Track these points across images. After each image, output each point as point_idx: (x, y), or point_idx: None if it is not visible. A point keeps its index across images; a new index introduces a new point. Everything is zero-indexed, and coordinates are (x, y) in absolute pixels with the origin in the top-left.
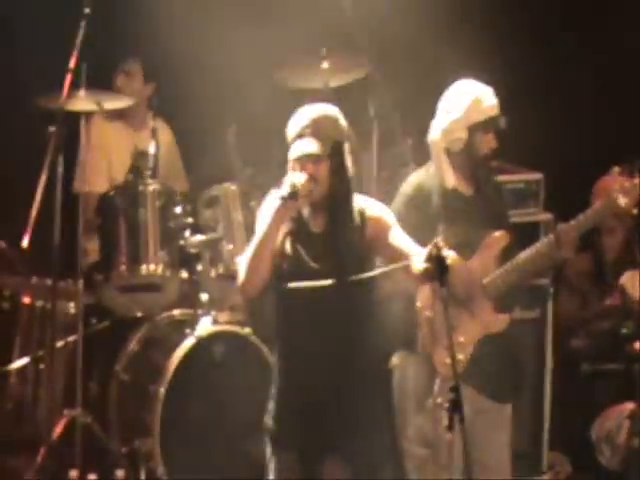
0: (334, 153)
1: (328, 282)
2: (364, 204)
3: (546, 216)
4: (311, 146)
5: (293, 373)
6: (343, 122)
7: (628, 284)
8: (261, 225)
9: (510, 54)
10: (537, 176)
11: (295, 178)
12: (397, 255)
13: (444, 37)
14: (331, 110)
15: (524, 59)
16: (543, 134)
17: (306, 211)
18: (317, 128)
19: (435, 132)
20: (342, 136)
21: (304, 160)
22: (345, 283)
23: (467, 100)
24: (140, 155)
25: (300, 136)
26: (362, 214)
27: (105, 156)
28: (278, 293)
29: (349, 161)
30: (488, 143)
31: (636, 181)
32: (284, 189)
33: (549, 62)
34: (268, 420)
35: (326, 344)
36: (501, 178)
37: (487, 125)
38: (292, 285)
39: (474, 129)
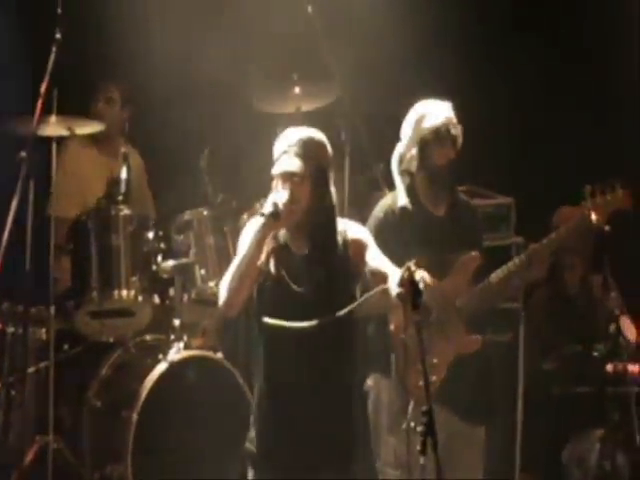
0: (317, 175)
1: (311, 324)
2: (345, 227)
3: (517, 240)
4: (294, 164)
5: (276, 401)
6: (329, 148)
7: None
8: (243, 246)
9: (480, 78)
10: (508, 200)
11: (277, 197)
12: (375, 276)
13: (416, 61)
14: (319, 134)
15: (494, 83)
16: (514, 158)
17: (288, 233)
18: (303, 148)
19: (394, 156)
20: (327, 161)
21: (286, 177)
22: (328, 320)
23: (414, 117)
24: (115, 182)
25: (285, 153)
26: (344, 237)
27: (79, 182)
28: (260, 324)
29: (332, 186)
30: (442, 155)
31: (608, 198)
32: (266, 208)
33: (519, 88)
34: (251, 446)
35: (309, 374)
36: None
37: (438, 138)
38: (274, 322)
39: (424, 144)
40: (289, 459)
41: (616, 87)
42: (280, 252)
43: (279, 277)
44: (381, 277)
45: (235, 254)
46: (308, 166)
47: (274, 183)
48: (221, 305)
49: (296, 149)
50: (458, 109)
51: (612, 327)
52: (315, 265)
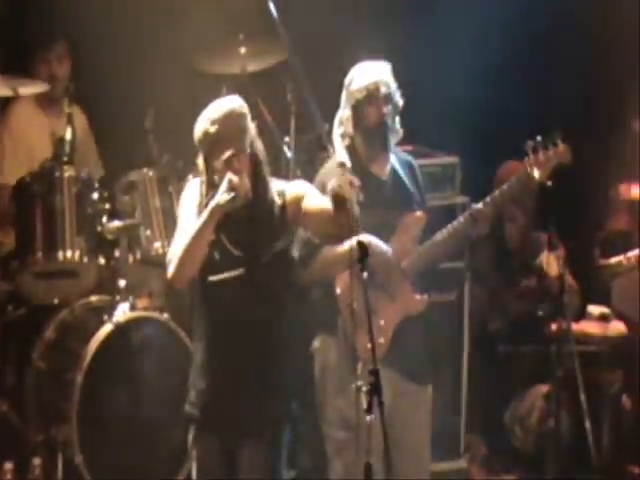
0: (252, 150)
1: (238, 271)
2: (283, 186)
3: (462, 199)
4: (234, 144)
5: (213, 361)
6: (249, 116)
7: (545, 265)
8: (186, 214)
9: (422, 35)
10: (453, 160)
11: (234, 182)
12: (316, 214)
13: (363, 20)
14: (233, 102)
15: (438, 40)
16: (460, 116)
17: None
18: (231, 124)
19: (335, 121)
20: (252, 131)
21: (233, 160)
22: (258, 268)
23: (347, 81)
24: (59, 140)
25: (213, 135)
26: (282, 196)
27: (25, 144)
28: (198, 282)
29: (261, 147)
30: (375, 115)
31: (549, 153)
32: (224, 195)
33: (463, 47)
34: (189, 407)
35: (245, 329)
36: (417, 162)
37: (368, 97)
38: (211, 278)
39: (357, 106)
40: (223, 418)
41: (556, 44)
42: (222, 219)
43: (218, 241)
44: (324, 213)
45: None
46: (243, 139)
47: (217, 164)
48: (170, 276)
49: (224, 127)
50: (401, 69)
51: (538, 261)
52: (253, 229)
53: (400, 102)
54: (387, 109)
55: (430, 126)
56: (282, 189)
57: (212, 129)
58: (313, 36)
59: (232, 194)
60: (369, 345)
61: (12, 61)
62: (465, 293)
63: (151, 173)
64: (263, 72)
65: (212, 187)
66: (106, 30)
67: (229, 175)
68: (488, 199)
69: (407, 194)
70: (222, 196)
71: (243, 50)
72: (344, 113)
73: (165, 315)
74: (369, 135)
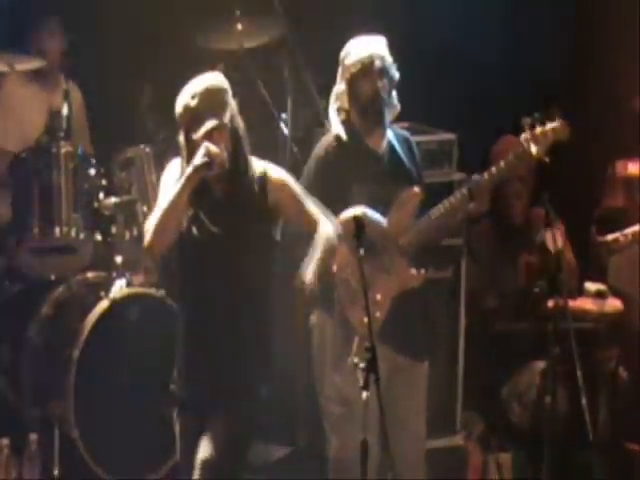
0: (233, 124)
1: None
2: (265, 167)
3: (460, 176)
4: (215, 118)
5: (192, 336)
6: (230, 92)
7: (547, 240)
8: (166, 192)
9: (420, 12)
10: (450, 136)
11: (211, 149)
12: (307, 221)
13: None
14: (214, 78)
15: (436, 17)
16: (457, 93)
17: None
18: (211, 99)
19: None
20: (233, 106)
21: (213, 133)
22: (237, 246)
23: (342, 55)
24: (55, 115)
25: (193, 109)
26: (264, 176)
27: (17, 117)
28: (177, 259)
29: (242, 124)
30: (369, 89)
31: (547, 129)
32: (199, 159)
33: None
34: (172, 386)
35: (223, 308)
36: (414, 139)
37: (362, 71)
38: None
39: (351, 80)
40: (199, 395)
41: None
42: (200, 194)
43: (197, 217)
44: (313, 222)
45: None
46: (224, 115)
47: (197, 136)
48: (145, 244)
49: (206, 102)
50: (399, 44)
51: (539, 237)
52: (232, 206)
53: (396, 76)
54: (382, 83)
55: (427, 102)
56: (264, 169)
57: (192, 103)
58: (310, 11)
59: (207, 159)
60: (365, 320)
61: (7, 36)
62: (462, 270)
63: (148, 149)
64: (260, 48)
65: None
66: (104, 6)
67: (206, 143)
68: (485, 175)
69: (404, 169)
70: (198, 159)
71: (240, 26)
72: (339, 87)
73: (161, 291)
74: (364, 109)
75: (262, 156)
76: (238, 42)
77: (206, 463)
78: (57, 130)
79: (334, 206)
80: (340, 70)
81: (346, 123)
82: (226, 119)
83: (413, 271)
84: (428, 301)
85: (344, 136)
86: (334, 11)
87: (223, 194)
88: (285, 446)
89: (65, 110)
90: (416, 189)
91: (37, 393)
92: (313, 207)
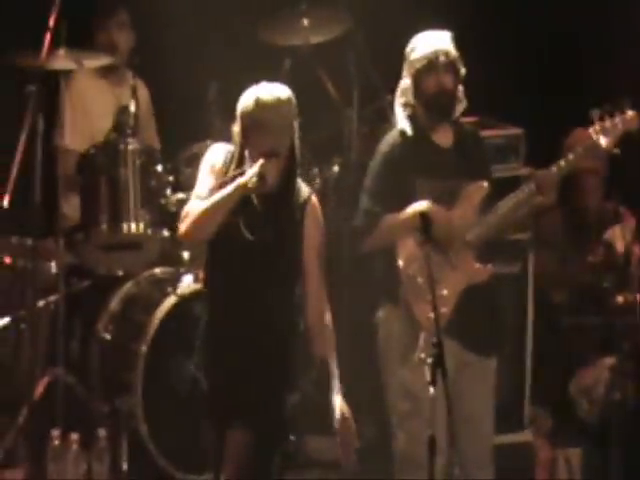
0: (291, 144)
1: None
2: (308, 192)
3: (527, 171)
4: (278, 143)
5: (216, 341)
6: (294, 101)
7: (614, 239)
8: (205, 176)
9: (489, 6)
10: (518, 131)
11: (265, 172)
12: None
13: None
14: (286, 93)
15: (504, 11)
16: (525, 88)
17: None
18: (278, 116)
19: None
20: (295, 119)
21: (271, 154)
22: (269, 254)
23: (408, 50)
24: (122, 112)
25: (263, 119)
26: (304, 199)
27: (87, 114)
28: (210, 257)
29: (297, 142)
30: (435, 84)
31: (616, 120)
32: (251, 179)
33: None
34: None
35: (251, 312)
36: (482, 133)
37: (428, 66)
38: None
39: (417, 75)
40: (218, 399)
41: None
42: (243, 201)
43: (235, 224)
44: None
45: None
46: (286, 139)
47: (256, 148)
48: (181, 232)
49: (272, 119)
50: (466, 40)
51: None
52: (270, 219)
53: (462, 71)
54: (447, 78)
55: (496, 97)
56: (307, 195)
57: (259, 112)
58: (376, 6)
59: (259, 180)
60: (431, 315)
61: (77, 33)
62: (529, 265)
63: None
64: (326, 43)
65: (239, 160)
66: (170, 3)
67: (262, 161)
68: (553, 168)
69: (470, 164)
70: (251, 178)
71: (306, 21)
72: (405, 83)
73: None
74: (430, 104)
75: (328, 152)
76: (304, 37)
77: None
78: (125, 127)
79: (400, 201)
80: (405, 65)
81: (411, 118)
82: (287, 139)
83: (479, 266)
84: (495, 296)
85: (409, 131)
86: (399, 6)
87: (265, 209)
88: None
89: (132, 107)
90: (482, 183)
91: (105, 388)
92: (316, 264)
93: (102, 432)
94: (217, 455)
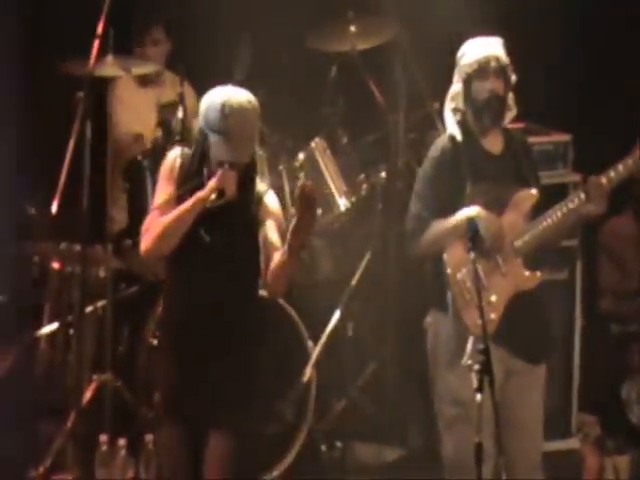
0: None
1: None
2: (264, 188)
3: (575, 177)
4: (241, 154)
5: (179, 347)
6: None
7: None
8: (162, 185)
9: (539, 11)
10: (566, 137)
11: (222, 183)
12: (271, 246)
13: None
14: (252, 101)
15: (553, 16)
16: (573, 94)
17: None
18: (242, 126)
19: (447, 96)
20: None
21: (233, 166)
22: (228, 255)
23: (459, 55)
24: (165, 108)
25: (223, 132)
26: (259, 197)
27: (129, 120)
28: (168, 261)
29: (260, 152)
30: (484, 89)
31: None
32: (211, 196)
33: (575, 19)
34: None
35: (211, 314)
36: (529, 140)
37: (478, 72)
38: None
39: (467, 80)
40: (191, 408)
41: None
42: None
43: (193, 226)
44: (272, 247)
45: (290, 193)
46: (250, 148)
47: (213, 162)
48: (143, 248)
49: (238, 126)
50: (516, 45)
51: None
52: (226, 220)
53: (513, 78)
54: (498, 84)
55: (544, 104)
56: (263, 191)
57: (228, 121)
58: (423, 12)
59: (218, 195)
60: (479, 321)
61: (123, 41)
62: (577, 272)
63: (261, 152)
64: (373, 50)
65: (199, 161)
66: (216, 9)
67: (220, 173)
68: (604, 175)
69: (519, 170)
70: (210, 195)
71: (353, 28)
72: (455, 88)
73: None
74: (480, 110)
75: (375, 158)
76: (351, 43)
77: None
78: (171, 133)
79: (449, 206)
80: (456, 70)
81: (461, 124)
82: (249, 150)
83: (528, 273)
84: (543, 303)
85: (459, 136)
86: (446, 11)
87: (222, 212)
88: (399, 447)
89: (180, 113)
90: (532, 191)
91: (153, 394)
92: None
93: (149, 437)
94: (184, 453)
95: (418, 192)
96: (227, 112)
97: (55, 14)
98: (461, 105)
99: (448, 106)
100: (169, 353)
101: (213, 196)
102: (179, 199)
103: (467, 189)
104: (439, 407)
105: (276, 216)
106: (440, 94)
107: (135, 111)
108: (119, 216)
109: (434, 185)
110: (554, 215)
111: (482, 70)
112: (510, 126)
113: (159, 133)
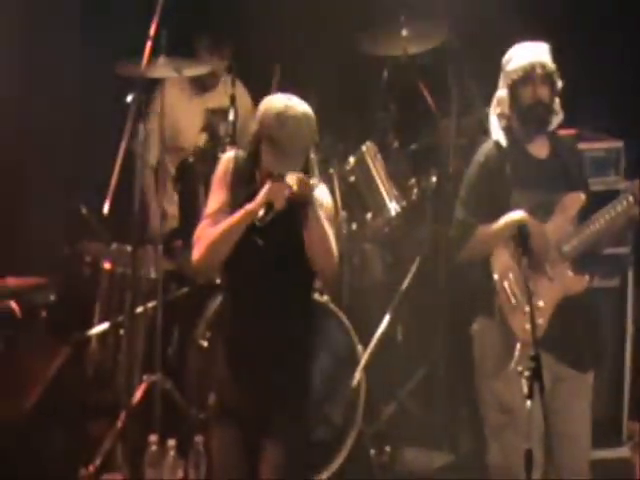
0: (306, 159)
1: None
2: (315, 182)
3: (626, 184)
4: (291, 167)
5: (232, 353)
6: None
7: None
8: (218, 193)
9: (591, 17)
10: (618, 144)
11: (271, 197)
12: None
13: (525, 4)
14: (309, 114)
15: (605, 23)
16: (626, 100)
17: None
18: (297, 139)
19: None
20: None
21: (284, 178)
22: (280, 258)
23: (505, 61)
24: (212, 114)
25: (277, 142)
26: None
27: (178, 121)
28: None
29: (314, 158)
30: (530, 95)
31: None
32: (260, 211)
33: (629, 22)
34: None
35: (263, 312)
36: (581, 146)
37: (524, 77)
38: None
39: (513, 86)
40: (245, 412)
41: None
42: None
43: (247, 231)
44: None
45: (340, 197)
46: (301, 160)
47: (269, 166)
48: (195, 259)
49: (292, 139)
50: (567, 51)
51: None
52: (279, 223)
53: (558, 83)
54: (543, 90)
55: (595, 110)
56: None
57: (284, 131)
58: (475, 17)
59: (267, 209)
60: (527, 326)
61: (177, 42)
62: (629, 279)
63: (313, 155)
64: (424, 54)
65: (252, 163)
66: (268, 11)
67: (269, 186)
68: None
69: (566, 176)
70: (258, 209)
71: (405, 32)
72: (501, 93)
73: (325, 297)
74: (525, 116)
75: (426, 163)
76: (402, 48)
77: None
78: (218, 138)
79: (494, 212)
80: (502, 76)
81: (507, 129)
82: (300, 162)
83: (575, 276)
84: (592, 309)
85: (504, 142)
86: (496, 16)
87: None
88: (448, 452)
89: (231, 115)
90: (579, 195)
91: (203, 395)
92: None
93: (199, 438)
94: (237, 454)
95: (463, 198)
96: (282, 122)
97: (108, 16)
98: (507, 110)
99: (494, 111)
100: (226, 356)
101: (262, 211)
102: (232, 204)
103: (512, 195)
104: (485, 414)
105: (325, 208)
106: (491, 99)
107: (182, 117)
108: (171, 217)
109: (479, 191)
110: (602, 219)
111: (527, 77)
112: (562, 132)
113: (203, 138)
